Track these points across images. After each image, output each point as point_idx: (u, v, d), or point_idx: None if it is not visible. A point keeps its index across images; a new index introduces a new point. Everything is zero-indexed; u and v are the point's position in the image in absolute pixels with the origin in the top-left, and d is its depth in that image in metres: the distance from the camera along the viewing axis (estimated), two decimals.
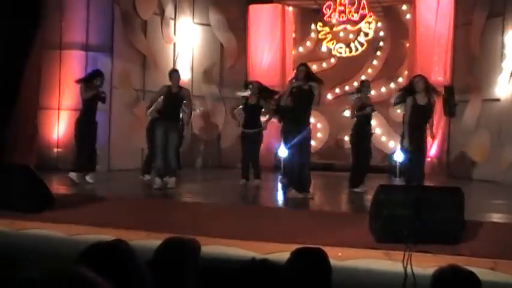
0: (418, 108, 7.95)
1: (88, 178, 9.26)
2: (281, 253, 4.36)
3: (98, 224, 5.59)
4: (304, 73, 8.21)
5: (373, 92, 13.27)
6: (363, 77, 13.43)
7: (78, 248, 2.11)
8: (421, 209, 4.72)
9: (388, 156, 12.65)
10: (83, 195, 7.82)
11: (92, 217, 6.02)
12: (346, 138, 12.80)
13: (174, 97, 8.95)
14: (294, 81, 8.35)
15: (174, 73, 9.19)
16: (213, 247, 4.68)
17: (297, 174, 8.05)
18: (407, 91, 8.21)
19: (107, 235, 5.04)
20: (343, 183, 9.74)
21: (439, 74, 12.61)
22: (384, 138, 13.94)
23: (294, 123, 8.25)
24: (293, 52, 14.82)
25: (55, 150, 11.26)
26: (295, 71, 8.69)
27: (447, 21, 12.66)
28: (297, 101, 8.15)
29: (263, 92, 9.94)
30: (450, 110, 10.75)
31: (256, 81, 10.42)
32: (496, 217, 6.97)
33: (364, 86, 9.62)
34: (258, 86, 9.99)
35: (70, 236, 5.52)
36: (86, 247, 2.04)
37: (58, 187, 8.59)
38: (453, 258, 4.33)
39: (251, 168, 9.84)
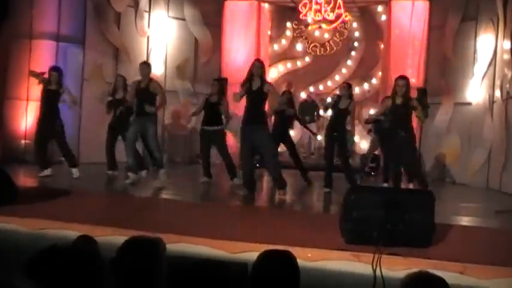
0: None
1: None
2: (250, 253, 4.29)
3: (64, 219, 5.44)
4: None
5: None
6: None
7: (42, 243, 2.02)
8: (392, 211, 4.68)
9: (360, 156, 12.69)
10: (48, 188, 7.63)
11: (57, 211, 5.86)
12: (319, 137, 12.82)
13: (144, 92, 8.57)
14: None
15: (142, 65, 8.79)
16: (180, 245, 4.58)
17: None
18: None
19: (72, 230, 4.92)
20: (316, 183, 9.73)
21: (412, 76, 12.64)
22: (357, 139, 13.99)
23: None
24: (268, 49, 14.77)
25: (22, 141, 11.01)
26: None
27: (421, 23, 12.75)
28: None
29: None
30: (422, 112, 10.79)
31: None
32: (466, 220, 7.00)
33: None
34: None
35: (34, 231, 5.36)
36: (46, 247, 1.96)
37: (24, 180, 8.39)
38: (423, 261, 4.31)
39: None
